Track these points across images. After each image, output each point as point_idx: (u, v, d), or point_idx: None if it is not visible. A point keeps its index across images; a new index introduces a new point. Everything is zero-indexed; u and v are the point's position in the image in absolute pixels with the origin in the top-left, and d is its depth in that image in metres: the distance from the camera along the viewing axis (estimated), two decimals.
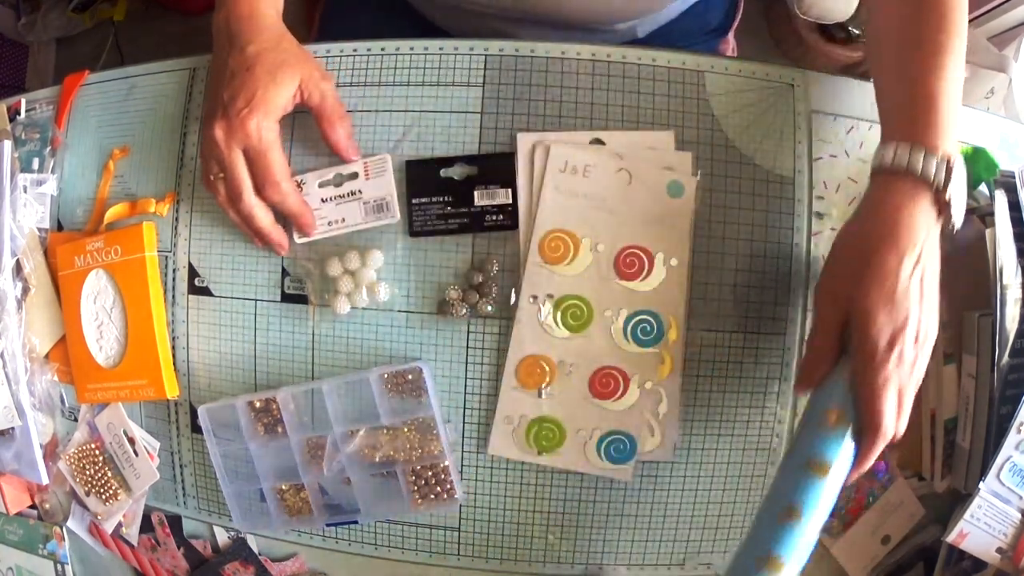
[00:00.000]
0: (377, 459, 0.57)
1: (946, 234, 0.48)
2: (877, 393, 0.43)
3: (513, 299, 0.56)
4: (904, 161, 0.45)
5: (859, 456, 0.45)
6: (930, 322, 0.45)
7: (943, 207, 0.46)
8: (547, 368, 0.56)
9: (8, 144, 0.64)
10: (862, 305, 0.44)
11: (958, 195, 0.45)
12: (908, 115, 0.47)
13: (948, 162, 0.45)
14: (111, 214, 0.62)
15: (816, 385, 0.48)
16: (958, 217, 0.47)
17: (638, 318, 0.55)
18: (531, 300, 0.56)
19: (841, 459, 0.45)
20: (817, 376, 0.47)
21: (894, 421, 0.45)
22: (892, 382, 0.44)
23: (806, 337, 0.57)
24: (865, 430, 0.44)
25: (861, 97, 0.58)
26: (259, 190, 0.53)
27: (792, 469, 0.47)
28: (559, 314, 0.56)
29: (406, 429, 0.57)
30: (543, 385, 0.56)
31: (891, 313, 0.43)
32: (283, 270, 0.59)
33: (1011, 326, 0.53)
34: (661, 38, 0.72)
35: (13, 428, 0.63)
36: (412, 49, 0.58)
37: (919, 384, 0.46)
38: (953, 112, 0.47)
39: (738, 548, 0.48)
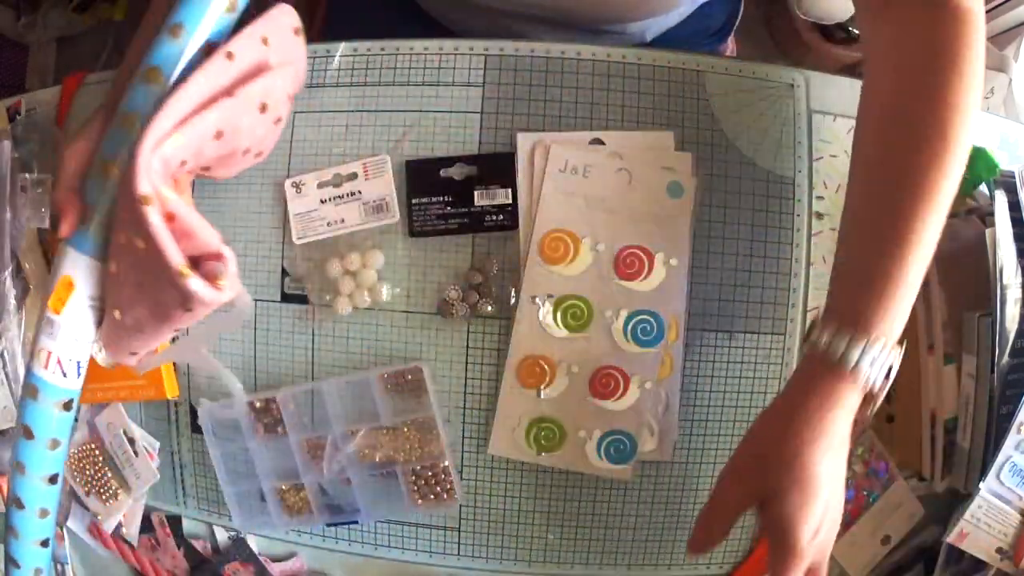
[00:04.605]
0: (377, 459, 0.57)
1: (946, 233, 0.47)
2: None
3: (513, 299, 0.56)
4: (838, 352, 0.42)
5: None
6: (841, 499, 0.45)
7: (871, 398, 0.44)
8: (547, 368, 0.56)
9: (8, 144, 0.64)
10: (786, 509, 0.42)
11: (888, 383, 0.43)
12: (856, 292, 0.43)
13: (890, 366, 0.43)
14: None
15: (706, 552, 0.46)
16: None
17: (638, 318, 0.55)
18: (531, 300, 0.56)
19: None
20: (710, 548, 0.46)
21: None
22: (807, 560, 0.43)
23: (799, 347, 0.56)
24: None
25: None
26: None
27: None
28: (559, 314, 0.56)
29: (406, 429, 0.57)
30: (543, 385, 0.56)
31: (814, 510, 0.42)
32: (283, 270, 0.59)
33: (1011, 326, 0.53)
34: (666, 42, 0.73)
35: (13, 428, 0.63)
36: (412, 49, 0.58)
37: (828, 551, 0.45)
38: (911, 293, 0.43)
39: None
